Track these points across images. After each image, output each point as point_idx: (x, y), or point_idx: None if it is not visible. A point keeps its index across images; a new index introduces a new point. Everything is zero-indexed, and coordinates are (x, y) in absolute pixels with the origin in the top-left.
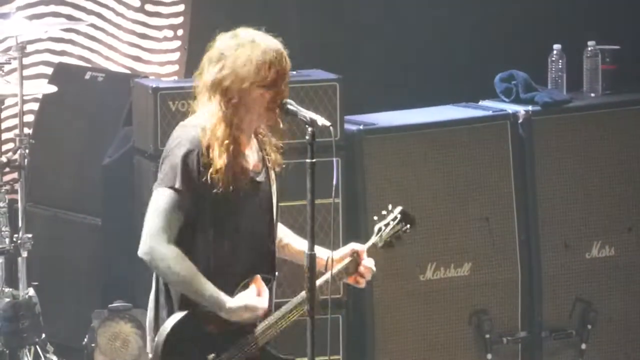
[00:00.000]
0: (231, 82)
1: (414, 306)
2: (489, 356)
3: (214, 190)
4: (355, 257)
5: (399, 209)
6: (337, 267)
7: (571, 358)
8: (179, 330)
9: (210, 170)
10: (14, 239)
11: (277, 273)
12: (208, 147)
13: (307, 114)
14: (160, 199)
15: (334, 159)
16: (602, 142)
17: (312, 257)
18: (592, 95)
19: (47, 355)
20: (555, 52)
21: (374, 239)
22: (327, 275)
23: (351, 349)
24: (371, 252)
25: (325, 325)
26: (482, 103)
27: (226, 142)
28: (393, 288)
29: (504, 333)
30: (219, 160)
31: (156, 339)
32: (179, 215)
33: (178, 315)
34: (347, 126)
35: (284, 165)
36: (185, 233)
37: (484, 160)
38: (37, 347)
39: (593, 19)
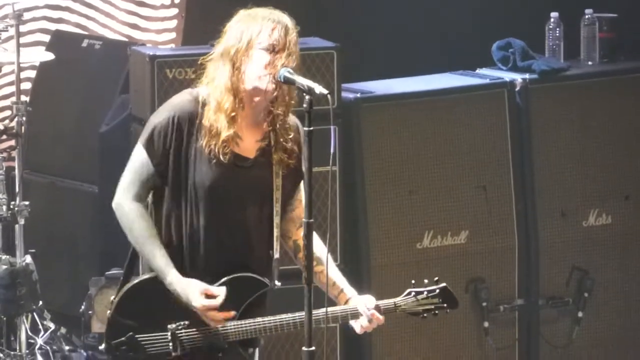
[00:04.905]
0: (237, 49)
1: (411, 274)
2: (486, 324)
3: (192, 157)
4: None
5: (442, 285)
6: (343, 307)
7: (568, 326)
8: (142, 288)
9: (202, 137)
10: (11, 207)
11: (277, 283)
12: (202, 114)
13: (305, 82)
14: (134, 155)
15: (332, 127)
16: (600, 110)
17: (309, 225)
18: (590, 63)
19: (44, 322)
20: (552, 20)
21: (398, 299)
22: (340, 307)
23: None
24: (389, 310)
25: (320, 291)
26: (479, 71)
27: (233, 114)
28: (390, 256)
29: (500, 301)
30: (225, 131)
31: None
32: (149, 171)
33: (148, 275)
34: (344, 94)
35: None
36: (162, 196)
37: (481, 129)
38: (34, 314)
39: None
